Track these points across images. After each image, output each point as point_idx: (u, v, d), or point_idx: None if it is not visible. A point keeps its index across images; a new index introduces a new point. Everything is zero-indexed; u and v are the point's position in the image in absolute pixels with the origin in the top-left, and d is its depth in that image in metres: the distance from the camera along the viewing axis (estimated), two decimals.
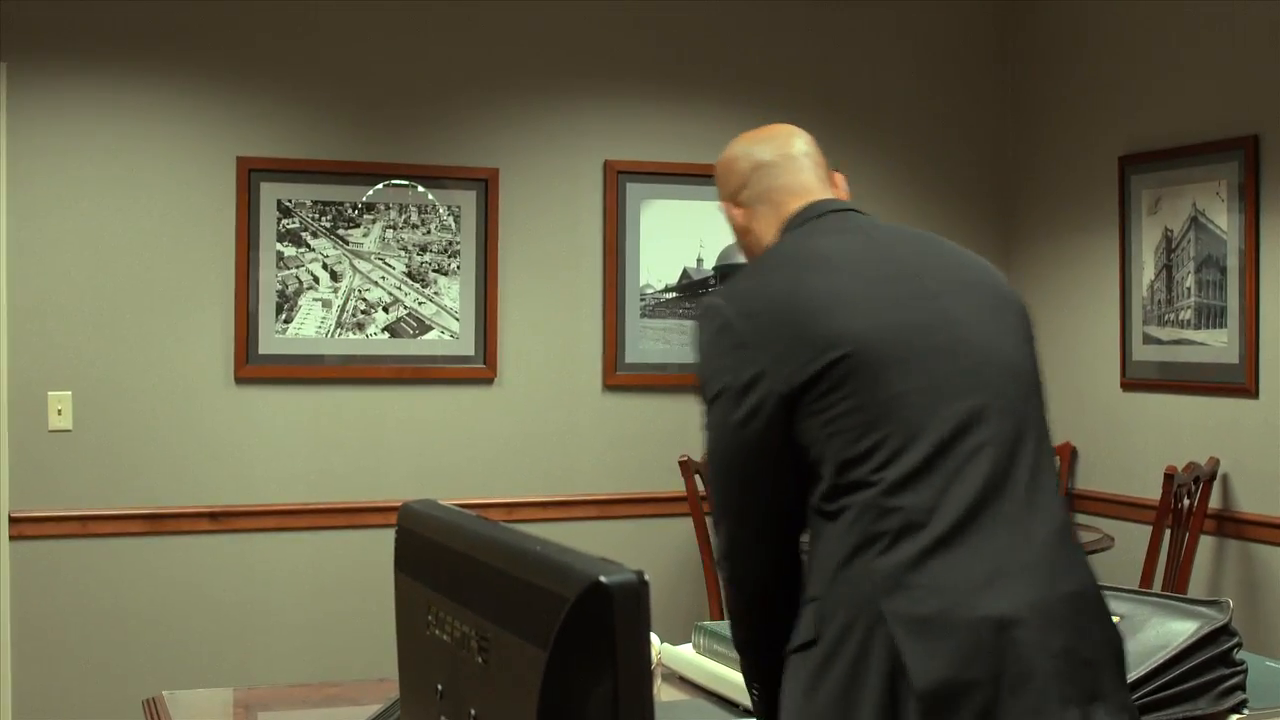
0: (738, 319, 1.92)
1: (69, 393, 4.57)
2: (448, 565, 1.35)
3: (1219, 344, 4.65)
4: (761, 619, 1.97)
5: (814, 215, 2.07)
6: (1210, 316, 4.68)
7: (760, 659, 1.99)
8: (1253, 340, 4.53)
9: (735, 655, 2.28)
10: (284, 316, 4.78)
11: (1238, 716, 2.13)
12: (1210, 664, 2.13)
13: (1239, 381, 4.56)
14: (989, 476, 1.85)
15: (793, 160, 2.14)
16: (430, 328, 4.93)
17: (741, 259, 2.25)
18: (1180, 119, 4.83)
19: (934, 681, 1.75)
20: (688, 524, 4.82)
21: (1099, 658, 1.85)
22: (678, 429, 5.14)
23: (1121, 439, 5.06)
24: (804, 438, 1.88)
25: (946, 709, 1.75)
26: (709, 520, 4.68)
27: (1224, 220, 4.63)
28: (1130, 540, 4.77)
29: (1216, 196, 4.67)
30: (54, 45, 4.57)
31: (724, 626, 2.41)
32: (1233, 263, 4.59)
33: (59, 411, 4.55)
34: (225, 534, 4.72)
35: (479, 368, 4.98)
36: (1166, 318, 4.85)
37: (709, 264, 5.15)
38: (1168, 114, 4.88)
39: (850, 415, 1.85)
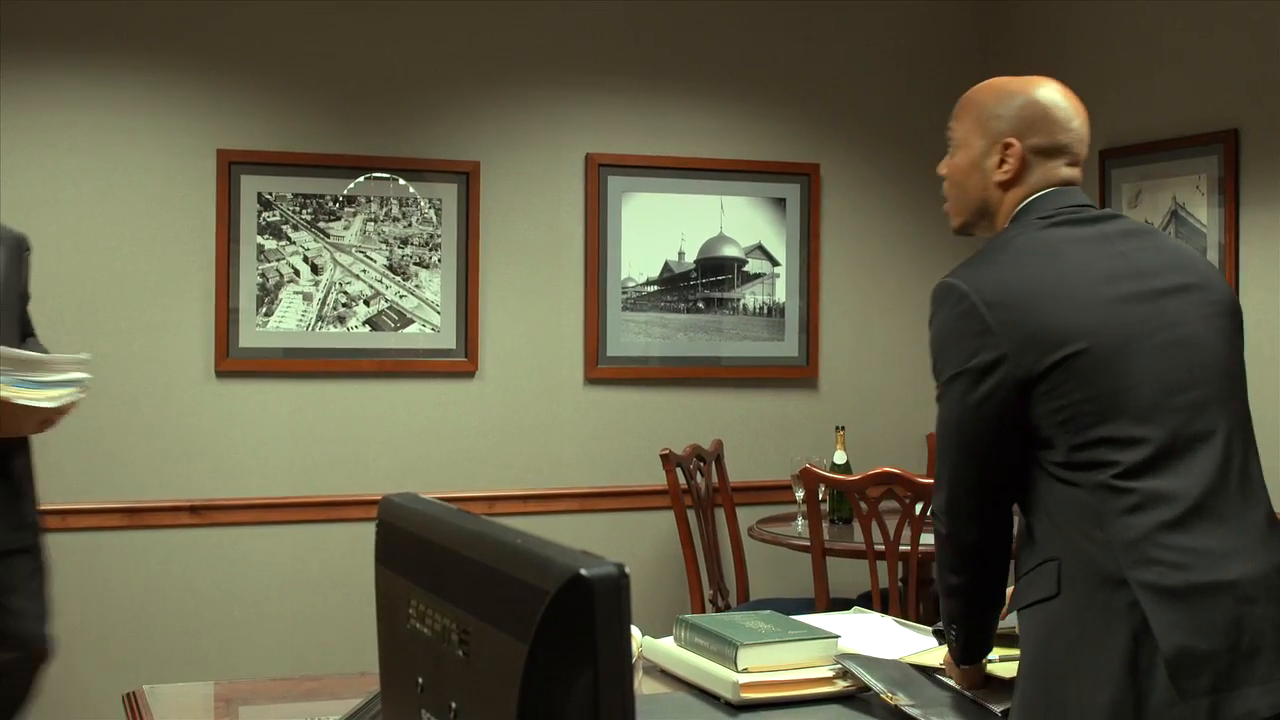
0: (982, 305, 2.02)
1: None
2: (428, 559, 1.35)
3: None
4: (973, 570, 2.10)
5: (1060, 204, 2.15)
6: None
7: (966, 605, 2.12)
8: None
9: (717, 648, 2.30)
10: (264, 310, 4.76)
11: None
12: None
13: None
14: (1214, 467, 1.99)
15: (1080, 140, 2.19)
16: (411, 321, 4.92)
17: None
18: (1160, 113, 4.85)
19: (1177, 648, 1.90)
20: (669, 517, 4.82)
21: None
22: (659, 422, 5.15)
23: None
24: (1036, 419, 2.01)
25: (1191, 673, 1.89)
26: (685, 513, 4.69)
27: (1204, 214, 4.65)
28: None
29: (1196, 190, 4.68)
30: (34, 39, 4.54)
31: (705, 619, 2.41)
32: (1212, 256, 4.61)
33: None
34: (206, 528, 4.71)
35: (460, 361, 4.97)
36: None
37: (690, 257, 5.15)
38: (1148, 108, 4.90)
39: (1082, 405, 1.98)
